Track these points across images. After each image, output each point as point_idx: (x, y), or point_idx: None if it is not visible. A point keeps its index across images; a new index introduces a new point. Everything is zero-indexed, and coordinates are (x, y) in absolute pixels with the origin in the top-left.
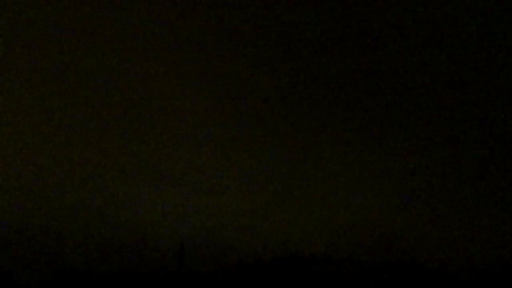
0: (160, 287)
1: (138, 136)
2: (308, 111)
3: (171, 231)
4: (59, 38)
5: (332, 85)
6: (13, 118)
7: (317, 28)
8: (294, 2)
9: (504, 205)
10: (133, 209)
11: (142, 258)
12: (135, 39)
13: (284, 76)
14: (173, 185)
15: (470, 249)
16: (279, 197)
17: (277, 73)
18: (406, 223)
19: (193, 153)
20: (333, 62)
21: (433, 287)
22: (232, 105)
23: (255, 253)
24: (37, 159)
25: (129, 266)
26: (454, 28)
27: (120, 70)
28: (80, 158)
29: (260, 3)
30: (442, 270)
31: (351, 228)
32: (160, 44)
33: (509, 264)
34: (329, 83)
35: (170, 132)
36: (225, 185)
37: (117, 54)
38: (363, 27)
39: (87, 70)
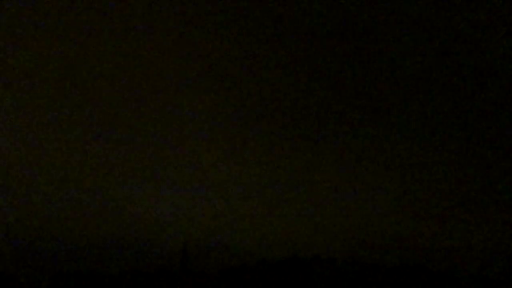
0: None
1: (140, 136)
2: (311, 111)
3: (173, 232)
4: (60, 39)
5: (335, 85)
6: (13, 118)
7: (319, 29)
8: (296, 2)
9: (510, 207)
10: (135, 209)
11: (145, 259)
12: (136, 39)
13: (287, 77)
14: (175, 185)
15: (475, 251)
16: (283, 198)
17: (280, 73)
18: (411, 224)
19: (197, 154)
20: (335, 63)
21: None
22: (235, 106)
23: (258, 254)
24: (37, 160)
25: (131, 267)
26: (458, 26)
27: (121, 69)
28: (81, 158)
29: (262, 4)
30: (447, 272)
31: (355, 230)
32: (160, 44)
33: None
34: (331, 83)
35: (173, 132)
36: (228, 186)
37: (116, 53)
38: (365, 28)
39: (87, 71)
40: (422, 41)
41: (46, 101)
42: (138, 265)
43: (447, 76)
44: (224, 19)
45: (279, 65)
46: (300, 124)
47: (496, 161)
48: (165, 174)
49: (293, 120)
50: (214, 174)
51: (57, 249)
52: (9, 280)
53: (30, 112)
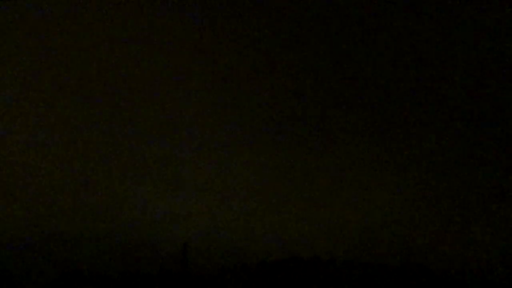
0: None
1: (139, 136)
2: (312, 111)
3: (174, 232)
4: (61, 39)
5: (336, 85)
6: (16, 118)
7: (319, 30)
8: (296, 3)
9: (510, 207)
10: (135, 210)
11: (145, 259)
12: (137, 40)
13: (287, 77)
14: (176, 186)
15: (477, 252)
16: (284, 198)
17: (280, 74)
18: (413, 225)
19: (197, 154)
20: (335, 63)
21: None
22: (235, 106)
23: (259, 254)
24: (39, 161)
25: (131, 267)
26: (460, 28)
27: (123, 70)
28: (83, 159)
29: (262, 4)
30: (447, 272)
31: (356, 230)
32: (162, 45)
33: None
34: (332, 83)
35: (173, 133)
36: (228, 186)
37: (119, 54)
38: (366, 29)
39: (89, 71)
40: (424, 41)
41: (49, 101)
42: (138, 266)
43: (456, 77)
44: (224, 20)
45: (281, 65)
46: (301, 123)
47: (497, 161)
48: (165, 174)
49: (293, 119)
50: (214, 174)
51: (56, 249)
52: (9, 280)
53: (34, 112)
